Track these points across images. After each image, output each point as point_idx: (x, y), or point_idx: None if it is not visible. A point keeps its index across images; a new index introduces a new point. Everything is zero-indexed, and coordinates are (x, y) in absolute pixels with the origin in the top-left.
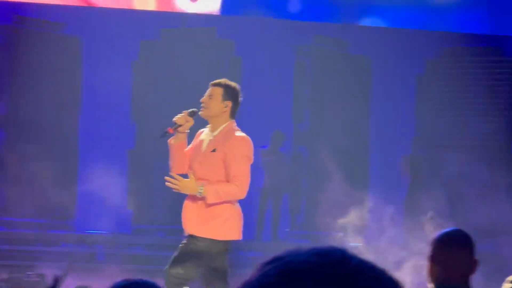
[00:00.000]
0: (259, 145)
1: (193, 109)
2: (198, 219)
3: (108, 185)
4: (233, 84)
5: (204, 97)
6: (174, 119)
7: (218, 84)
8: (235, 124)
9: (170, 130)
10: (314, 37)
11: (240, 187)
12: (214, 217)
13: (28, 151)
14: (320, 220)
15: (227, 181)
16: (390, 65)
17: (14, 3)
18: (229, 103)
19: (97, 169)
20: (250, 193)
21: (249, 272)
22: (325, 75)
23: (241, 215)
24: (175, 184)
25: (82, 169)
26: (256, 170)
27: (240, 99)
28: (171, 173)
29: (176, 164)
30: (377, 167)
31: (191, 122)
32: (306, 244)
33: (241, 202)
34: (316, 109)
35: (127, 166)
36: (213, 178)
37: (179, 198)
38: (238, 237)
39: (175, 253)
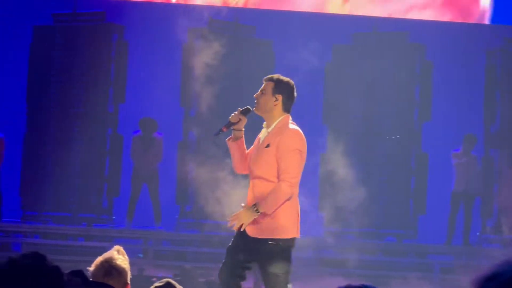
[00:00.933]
0: (453, 149)
1: (247, 107)
2: (261, 222)
3: (300, 189)
4: (285, 79)
5: (257, 92)
6: (229, 117)
7: (270, 79)
8: (290, 118)
9: (224, 129)
10: (505, 41)
11: (289, 182)
12: (273, 218)
13: (220, 155)
14: None
15: (278, 175)
16: None
17: (208, 7)
18: (280, 97)
19: None
20: (440, 196)
21: (440, 277)
22: None
23: (299, 212)
24: (233, 222)
25: None
26: (448, 173)
27: (295, 94)
28: (236, 172)
29: (238, 163)
30: None
31: (244, 120)
32: (498, 249)
33: (431, 205)
34: (508, 112)
35: (319, 168)
36: (269, 175)
37: (373, 200)
38: (297, 235)
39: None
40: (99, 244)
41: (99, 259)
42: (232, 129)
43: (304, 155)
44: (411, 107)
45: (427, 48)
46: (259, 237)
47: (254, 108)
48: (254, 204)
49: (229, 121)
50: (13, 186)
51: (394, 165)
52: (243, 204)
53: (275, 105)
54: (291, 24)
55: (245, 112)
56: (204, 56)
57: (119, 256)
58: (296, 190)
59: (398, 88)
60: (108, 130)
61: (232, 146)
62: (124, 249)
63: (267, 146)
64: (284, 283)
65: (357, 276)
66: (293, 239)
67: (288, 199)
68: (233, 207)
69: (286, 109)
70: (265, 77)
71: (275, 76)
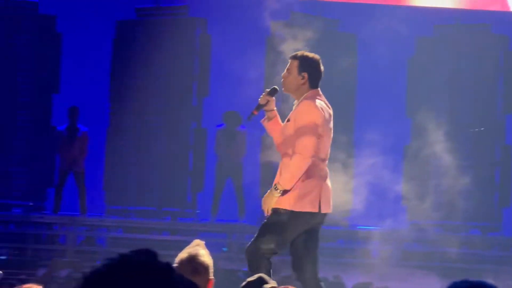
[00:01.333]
0: None
1: (274, 87)
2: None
3: (383, 181)
4: (310, 54)
5: (284, 72)
6: (258, 100)
7: (294, 57)
8: (317, 92)
9: (255, 112)
10: None
11: (302, 156)
12: (292, 190)
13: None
14: None
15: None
16: None
17: (290, 0)
18: (306, 75)
19: (373, 165)
20: None
21: None
22: None
23: (321, 189)
24: (262, 207)
25: (358, 165)
26: None
27: (321, 68)
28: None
29: (275, 143)
30: None
31: (272, 100)
32: None
33: None
34: None
35: (403, 161)
36: (291, 149)
37: (457, 193)
38: (306, 209)
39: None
40: (183, 238)
41: (183, 255)
42: (264, 110)
43: (320, 127)
44: (494, 99)
45: (510, 39)
46: (278, 206)
47: (283, 89)
48: (275, 184)
49: (259, 104)
50: (97, 181)
51: (478, 157)
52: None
53: (303, 83)
54: (374, 16)
55: (272, 93)
56: (287, 49)
57: (204, 252)
58: (312, 163)
59: (481, 80)
60: (192, 124)
61: (267, 126)
62: (209, 243)
63: (288, 120)
64: (263, 245)
65: (441, 269)
66: (308, 214)
67: (307, 172)
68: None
69: (314, 85)
70: (290, 55)
71: (299, 53)
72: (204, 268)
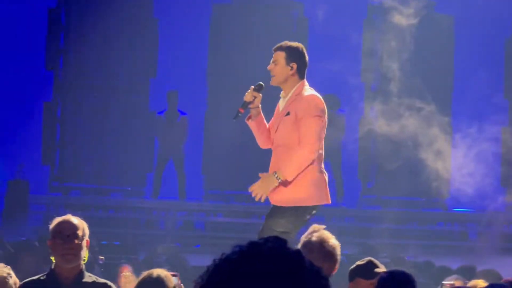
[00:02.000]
0: None
1: (259, 83)
2: (283, 190)
3: (482, 163)
4: (295, 44)
5: (270, 64)
6: (244, 97)
7: (280, 48)
8: (306, 84)
9: (241, 110)
10: None
11: (309, 148)
12: (294, 186)
13: (390, 130)
14: None
15: (299, 142)
16: None
17: None
18: (294, 65)
19: (470, 148)
20: None
21: None
22: None
23: (324, 179)
24: (255, 193)
25: (455, 147)
26: None
27: (307, 58)
28: (262, 147)
29: (261, 140)
30: None
31: (258, 97)
32: None
33: None
34: None
35: (501, 142)
36: (291, 142)
37: None
38: (318, 202)
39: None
40: None
41: (314, 239)
42: (249, 108)
43: (324, 119)
44: None
45: None
46: (283, 205)
47: (270, 81)
48: (275, 172)
49: (244, 101)
50: (196, 165)
51: None
52: (260, 174)
53: (291, 74)
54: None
55: (259, 89)
56: (383, 31)
57: (331, 235)
58: (317, 156)
59: None
60: None
61: (252, 125)
62: (307, 227)
63: (287, 114)
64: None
65: None
66: (313, 207)
67: (310, 165)
68: (416, 183)
69: (301, 75)
70: (274, 47)
71: (284, 44)
72: (335, 250)
